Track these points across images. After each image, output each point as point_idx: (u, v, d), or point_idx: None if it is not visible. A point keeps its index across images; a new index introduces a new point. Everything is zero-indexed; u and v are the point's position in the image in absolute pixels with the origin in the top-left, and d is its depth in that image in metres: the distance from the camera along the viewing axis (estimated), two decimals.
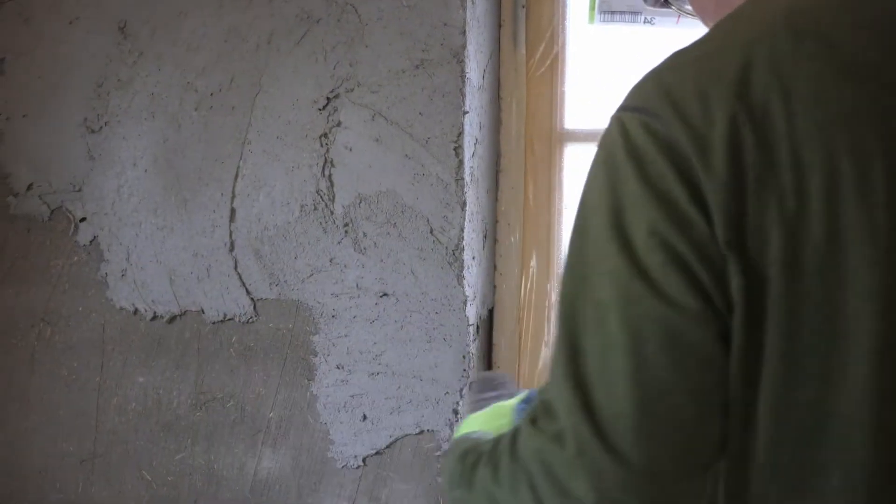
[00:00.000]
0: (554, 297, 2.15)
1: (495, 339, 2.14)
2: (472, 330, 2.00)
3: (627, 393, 1.00)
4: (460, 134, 1.99)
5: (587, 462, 1.01)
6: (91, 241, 2.14)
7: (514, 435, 1.12)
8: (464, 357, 1.98)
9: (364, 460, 2.01)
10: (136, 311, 2.12)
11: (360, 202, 2.02)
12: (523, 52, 2.17)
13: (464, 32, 1.98)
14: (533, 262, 2.13)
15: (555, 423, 1.05)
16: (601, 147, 1.08)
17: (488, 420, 1.46)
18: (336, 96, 2.04)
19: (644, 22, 2.16)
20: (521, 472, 1.08)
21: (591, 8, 2.11)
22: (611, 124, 1.08)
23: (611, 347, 1.01)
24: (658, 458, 1.02)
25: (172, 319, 2.10)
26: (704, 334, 1.00)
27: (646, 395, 1.00)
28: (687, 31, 2.18)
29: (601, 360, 1.02)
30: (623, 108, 1.07)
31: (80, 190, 2.14)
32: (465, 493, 1.20)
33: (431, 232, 2.00)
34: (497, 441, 1.16)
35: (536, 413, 1.08)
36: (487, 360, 2.12)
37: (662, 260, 0.99)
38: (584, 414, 1.02)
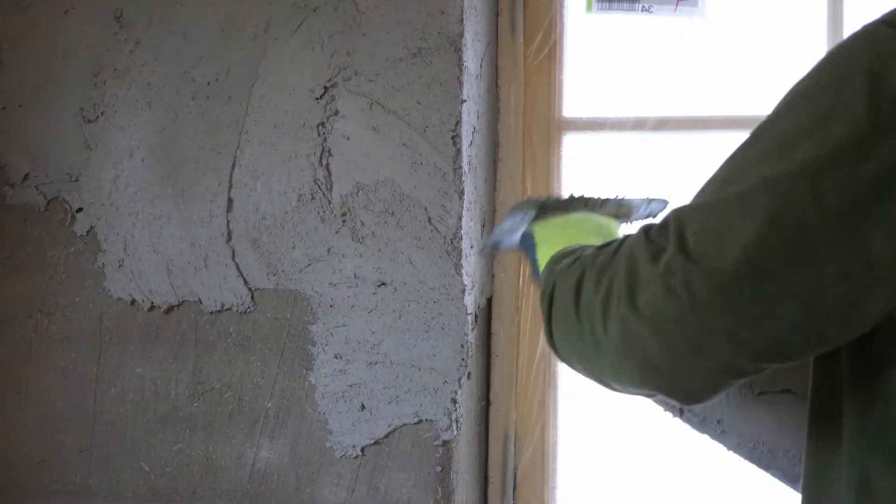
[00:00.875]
0: None
1: (494, 328, 2.14)
2: (470, 319, 2.00)
3: (738, 256, 1.02)
4: (458, 123, 1.98)
5: (665, 284, 1.05)
6: (88, 232, 2.13)
7: (626, 237, 1.16)
8: (462, 346, 1.97)
9: (362, 450, 2.01)
10: (133, 302, 2.11)
11: (358, 191, 2.02)
12: (521, 40, 2.16)
13: (461, 21, 1.98)
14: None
15: (663, 241, 1.08)
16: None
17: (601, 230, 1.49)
18: (333, 85, 2.04)
19: (642, 10, 2.15)
20: (612, 265, 1.12)
21: None
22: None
23: (754, 213, 1.03)
24: (728, 335, 1.04)
25: (170, 310, 2.10)
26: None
27: (754, 271, 1.02)
28: (685, 19, 2.18)
29: (736, 215, 1.04)
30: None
31: (76, 180, 2.14)
32: (565, 266, 1.24)
33: (429, 221, 1.99)
34: (607, 242, 1.21)
35: (656, 226, 1.12)
36: (486, 348, 2.12)
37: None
38: (685, 256, 1.05)
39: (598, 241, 1.35)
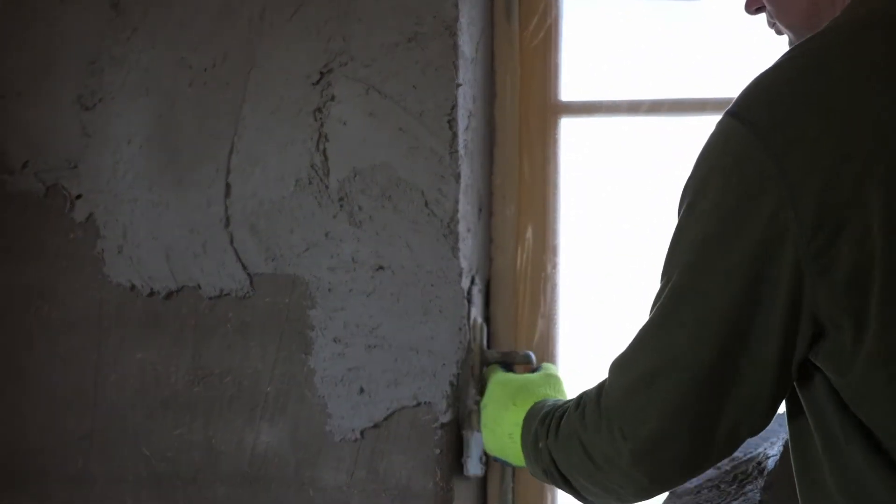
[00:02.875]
0: (549, 268, 2.15)
1: (492, 312, 2.15)
2: (468, 302, 2.01)
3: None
4: (454, 107, 1.99)
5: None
6: (87, 219, 2.14)
7: (600, 386, 1.38)
8: (460, 329, 1.98)
9: (362, 433, 2.02)
10: (132, 288, 2.12)
11: (355, 176, 2.03)
12: (517, 24, 2.16)
13: (456, 5, 1.98)
14: (529, 235, 2.14)
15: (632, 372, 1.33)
16: None
17: (550, 386, 1.85)
18: (329, 71, 2.04)
19: None
20: (604, 417, 1.33)
21: None
22: None
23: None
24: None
25: (169, 295, 2.11)
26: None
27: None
28: (683, 2, 2.18)
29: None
30: None
31: (75, 167, 2.15)
32: (552, 442, 1.47)
33: (426, 205, 2.00)
34: (582, 394, 1.44)
35: (620, 359, 1.37)
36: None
37: None
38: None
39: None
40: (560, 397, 1.80)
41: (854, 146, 1.12)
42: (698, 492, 1.68)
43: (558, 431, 1.46)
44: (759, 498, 1.61)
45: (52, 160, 2.16)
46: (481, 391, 1.97)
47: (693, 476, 1.34)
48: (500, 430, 1.78)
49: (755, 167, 1.15)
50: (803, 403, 1.26)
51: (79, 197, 2.15)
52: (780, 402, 1.26)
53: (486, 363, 2.03)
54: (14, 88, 2.18)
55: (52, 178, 2.16)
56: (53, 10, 2.16)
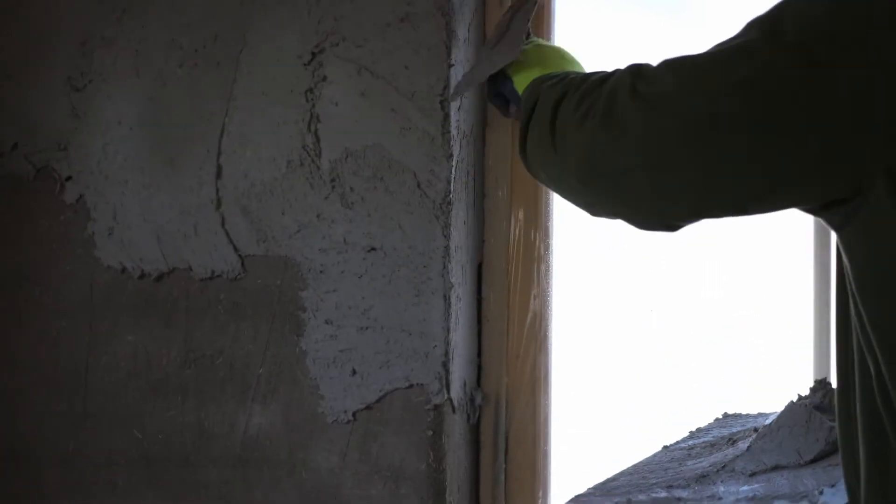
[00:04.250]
0: (542, 249, 2.15)
1: (484, 293, 2.14)
2: (459, 284, 2.00)
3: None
4: (446, 87, 1.98)
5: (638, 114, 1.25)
6: (77, 200, 2.13)
7: (615, 71, 1.36)
8: (452, 310, 1.98)
9: (354, 415, 2.02)
10: (123, 270, 2.11)
11: (347, 157, 2.02)
12: (509, 4, 2.15)
13: None
14: (521, 216, 2.13)
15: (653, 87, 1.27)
16: None
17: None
18: (321, 51, 2.03)
19: None
20: (596, 91, 1.31)
21: None
22: None
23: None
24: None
25: (160, 277, 2.10)
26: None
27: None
28: None
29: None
30: None
31: (65, 149, 2.14)
32: (551, 83, 1.45)
33: (418, 186, 1.99)
34: (596, 72, 1.43)
35: (646, 67, 1.32)
36: (477, 313, 2.12)
37: None
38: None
39: (575, 69, 1.64)
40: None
41: None
42: (691, 448, 1.69)
43: (562, 82, 1.44)
44: (747, 446, 1.62)
45: (41, 142, 2.15)
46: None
47: (616, 202, 1.30)
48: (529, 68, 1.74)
49: None
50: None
51: (69, 179, 2.14)
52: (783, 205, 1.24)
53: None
54: (3, 70, 2.17)
55: (41, 159, 2.15)
56: None
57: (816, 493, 1.44)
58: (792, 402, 1.68)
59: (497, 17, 2.15)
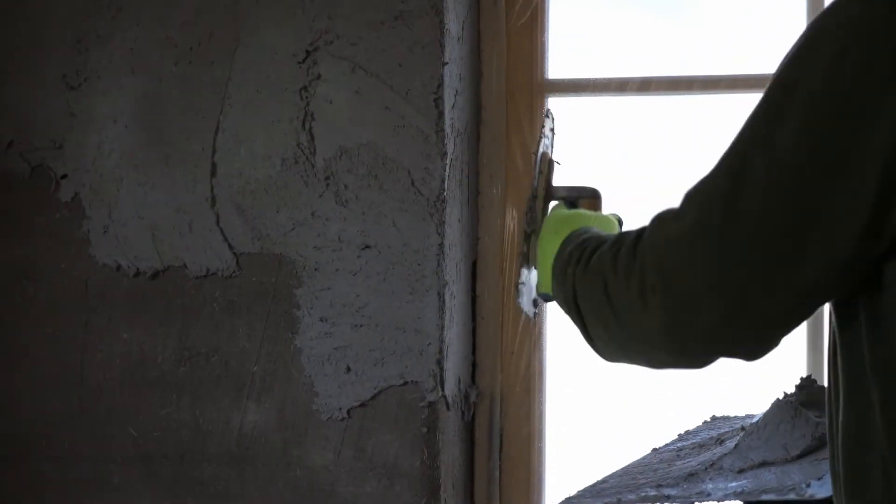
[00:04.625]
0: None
1: (478, 291, 2.15)
2: (453, 281, 2.01)
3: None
4: (440, 85, 1.98)
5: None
6: (73, 198, 2.13)
7: (641, 230, 1.20)
8: (446, 308, 1.98)
9: (349, 412, 2.02)
10: (118, 268, 2.12)
11: (341, 155, 2.02)
12: (503, 2, 2.16)
13: None
14: (515, 213, 2.14)
15: (682, 221, 1.14)
16: None
17: (600, 223, 1.54)
18: (315, 49, 2.04)
19: None
20: (638, 262, 1.16)
21: None
22: None
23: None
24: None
25: (155, 275, 2.10)
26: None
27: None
28: None
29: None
30: None
31: (60, 147, 2.14)
32: (580, 271, 1.28)
33: (413, 184, 2.00)
34: (622, 233, 1.25)
35: (667, 212, 1.16)
36: (471, 310, 2.13)
37: None
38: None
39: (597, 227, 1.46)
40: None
41: None
42: (680, 449, 1.69)
43: (588, 263, 1.28)
44: (734, 444, 1.63)
45: (37, 140, 2.15)
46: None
47: (718, 354, 1.18)
48: (545, 262, 1.53)
49: None
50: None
51: (64, 177, 2.14)
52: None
53: (551, 199, 1.83)
54: None
55: (37, 157, 2.15)
56: None
57: (804, 485, 1.44)
58: (778, 399, 1.69)
59: (491, 15, 2.15)
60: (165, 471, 2.10)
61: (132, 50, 2.11)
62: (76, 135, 2.13)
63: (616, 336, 1.23)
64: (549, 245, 1.49)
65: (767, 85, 1.12)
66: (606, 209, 1.64)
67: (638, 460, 1.77)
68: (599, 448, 2.22)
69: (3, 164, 2.16)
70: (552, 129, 1.67)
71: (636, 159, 2.23)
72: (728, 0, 2.21)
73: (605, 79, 2.18)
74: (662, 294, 1.13)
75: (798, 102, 1.07)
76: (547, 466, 2.18)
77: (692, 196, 1.15)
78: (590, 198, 1.72)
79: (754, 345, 1.16)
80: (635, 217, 2.13)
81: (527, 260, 1.62)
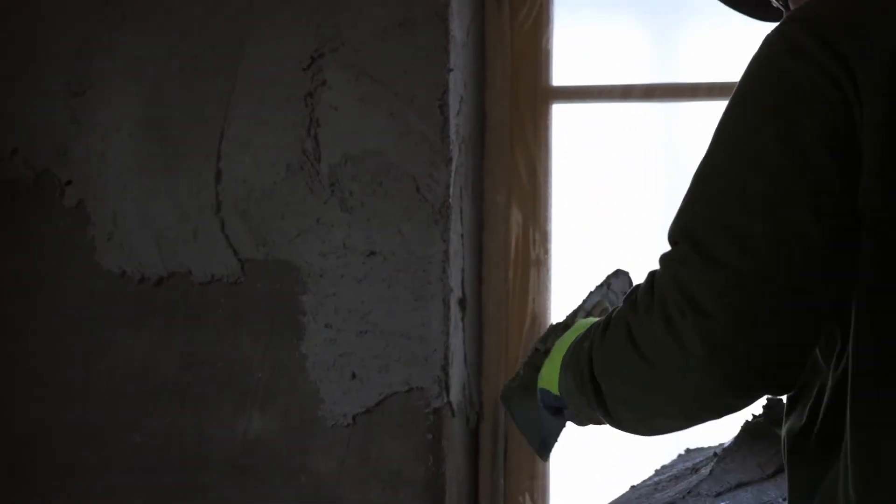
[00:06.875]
0: (541, 253, 2.15)
1: (483, 296, 2.14)
2: (459, 288, 2.01)
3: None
4: (445, 92, 1.99)
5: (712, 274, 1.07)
6: (77, 205, 2.13)
7: (650, 275, 1.15)
8: (451, 315, 1.98)
9: (354, 419, 2.02)
10: (123, 274, 2.11)
11: (346, 162, 2.02)
12: (508, 9, 2.16)
13: None
14: (520, 220, 2.14)
15: (680, 249, 1.11)
16: None
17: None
18: (320, 56, 2.04)
19: None
20: (657, 297, 1.11)
21: None
22: None
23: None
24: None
25: (160, 282, 2.10)
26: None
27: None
28: None
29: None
30: None
31: (65, 154, 2.14)
32: (597, 336, 1.18)
33: (418, 190, 2.00)
34: (633, 287, 1.20)
35: (667, 253, 1.14)
36: (476, 317, 2.12)
37: None
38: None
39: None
40: None
41: None
42: (658, 483, 1.70)
43: (607, 326, 1.18)
44: (709, 471, 1.63)
45: (41, 147, 2.15)
46: None
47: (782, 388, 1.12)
48: (552, 364, 1.36)
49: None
50: None
51: (68, 184, 2.14)
52: None
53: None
54: (3, 75, 2.17)
55: (41, 164, 2.15)
56: None
57: (781, 500, 1.44)
58: (747, 421, 1.70)
59: (496, 22, 2.15)
60: (169, 478, 2.09)
61: (136, 58, 2.12)
62: (80, 142, 2.13)
63: (640, 387, 1.14)
64: (557, 353, 1.34)
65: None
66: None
67: (616, 499, 1.77)
68: (604, 456, 2.22)
69: (7, 171, 2.16)
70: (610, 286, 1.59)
71: (638, 165, 2.23)
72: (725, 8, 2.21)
73: (609, 85, 2.18)
74: (693, 314, 1.07)
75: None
76: (552, 474, 2.18)
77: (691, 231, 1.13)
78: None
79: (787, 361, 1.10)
80: (638, 223, 2.14)
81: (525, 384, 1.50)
